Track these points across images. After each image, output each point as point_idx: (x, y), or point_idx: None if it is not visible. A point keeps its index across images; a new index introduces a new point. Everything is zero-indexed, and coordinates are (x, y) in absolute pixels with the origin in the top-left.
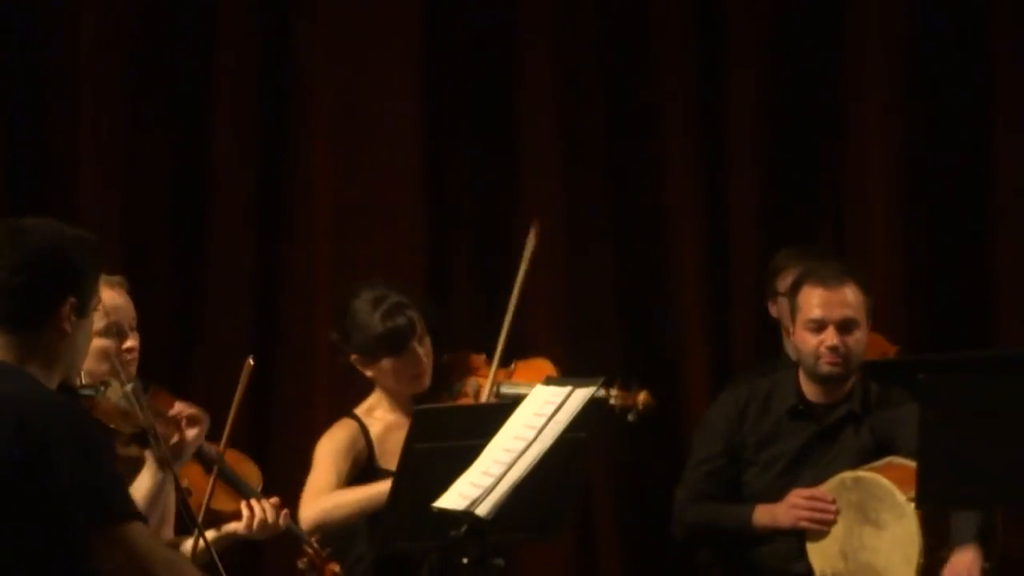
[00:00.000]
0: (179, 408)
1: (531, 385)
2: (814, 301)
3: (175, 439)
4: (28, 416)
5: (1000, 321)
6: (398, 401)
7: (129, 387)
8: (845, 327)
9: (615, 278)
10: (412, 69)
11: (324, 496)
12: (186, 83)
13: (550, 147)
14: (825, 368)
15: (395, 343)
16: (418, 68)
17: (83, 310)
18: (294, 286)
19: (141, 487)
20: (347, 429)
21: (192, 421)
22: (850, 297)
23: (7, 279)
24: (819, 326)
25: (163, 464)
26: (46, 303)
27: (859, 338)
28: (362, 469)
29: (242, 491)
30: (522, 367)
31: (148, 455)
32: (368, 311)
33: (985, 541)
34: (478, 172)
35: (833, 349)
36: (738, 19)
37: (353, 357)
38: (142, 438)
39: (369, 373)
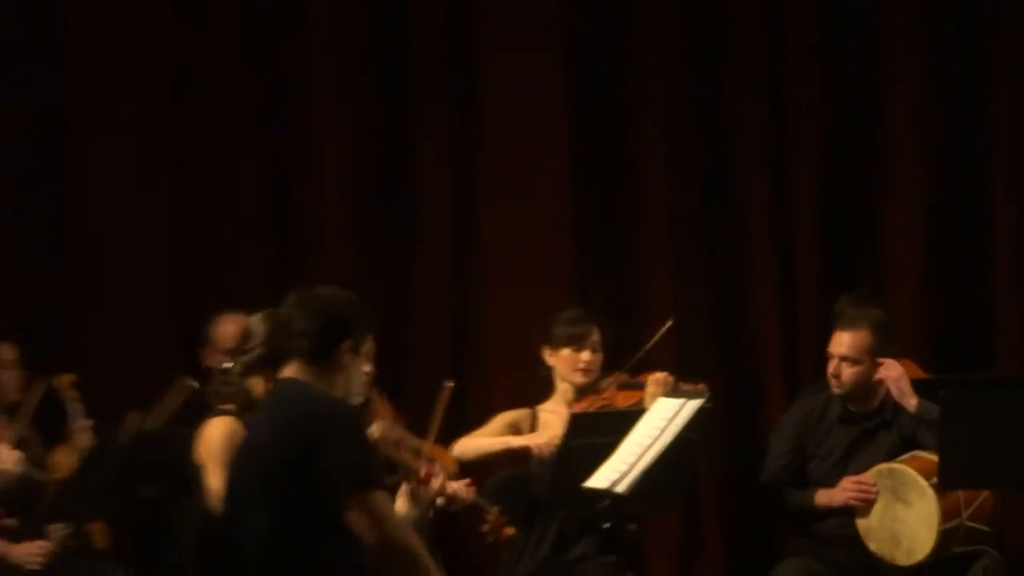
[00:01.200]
0: (427, 463)
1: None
2: (833, 339)
3: (423, 483)
4: (310, 416)
5: (999, 351)
6: (564, 399)
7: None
8: (844, 360)
9: (714, 317)
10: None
11: (470, 438)
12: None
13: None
14: (832, 387)
15: (576, 338)
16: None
17: (356, 349)
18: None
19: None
20: (520, 411)
21: (433, 472)
22: (848, 340)
23: (305, 327)
24: (830, 357)
25: (412, 496)
26: (331, 345)
27: (856, 370)
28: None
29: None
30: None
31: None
32: (565, 315)
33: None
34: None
35: (834, 376)
36: (797, 115)
37: (545, 349)
38: (392, 467)
39: (551, 361)
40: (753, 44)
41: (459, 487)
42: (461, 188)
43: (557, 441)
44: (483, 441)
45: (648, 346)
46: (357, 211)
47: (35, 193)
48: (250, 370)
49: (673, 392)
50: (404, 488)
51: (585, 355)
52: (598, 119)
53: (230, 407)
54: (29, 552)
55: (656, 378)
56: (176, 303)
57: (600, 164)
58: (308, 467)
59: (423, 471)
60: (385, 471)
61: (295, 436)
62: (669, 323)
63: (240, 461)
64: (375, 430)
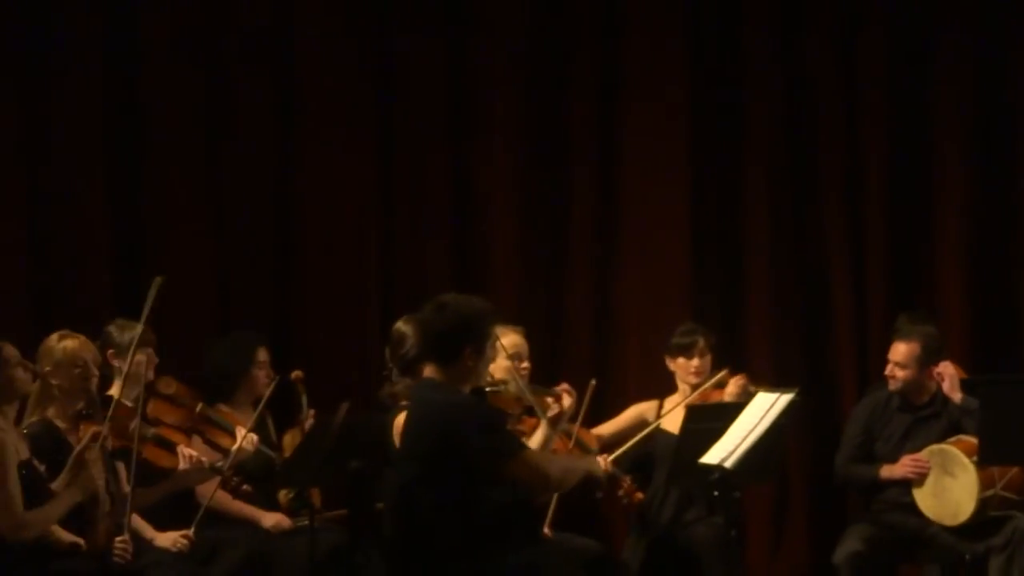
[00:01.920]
0: (560, 387)
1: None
2: (891, 348)
3: (555, 410)
4: (447, 411)
5: None
6: (683, 394)
7: (522, 383)
8: (897, 365)
9: (801, 328)
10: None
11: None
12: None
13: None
14: (889, 385)
15: (685, 348)
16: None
17: (480, 352)
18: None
19: (535, 440)
20: (649, 403)
21: (566, 395)
22: (901, 350)
23: (438, 333)
24: (888, 362)
25: (551, 424)
26: (457, 348)
27: (905, 374)
28: (646, 427)
29: (586, 450)
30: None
31: (541, 421)
32: (679, 330)
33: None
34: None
35: (889, 376)
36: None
37: (665, 356)
38: (531, 411)
39: (670, 366)
40: (830, 90)
41: (600, 459)
42: (602, 226)
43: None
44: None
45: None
46: (519, 233)
47: (270, 216)
48: (407, 370)
49: (745, 393)
50: (543, 421)
51: (694, 362)
52: (714, 171)
53: (405, 403)
54: (276, 520)
55: (735, 380)
56: (380, 312)
57: (713, 203)
58: (451, 453)
59: (555, 400)
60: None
61: (435, 429)
62: (721, 374)
63: (402, 448)
64: (512, 387)
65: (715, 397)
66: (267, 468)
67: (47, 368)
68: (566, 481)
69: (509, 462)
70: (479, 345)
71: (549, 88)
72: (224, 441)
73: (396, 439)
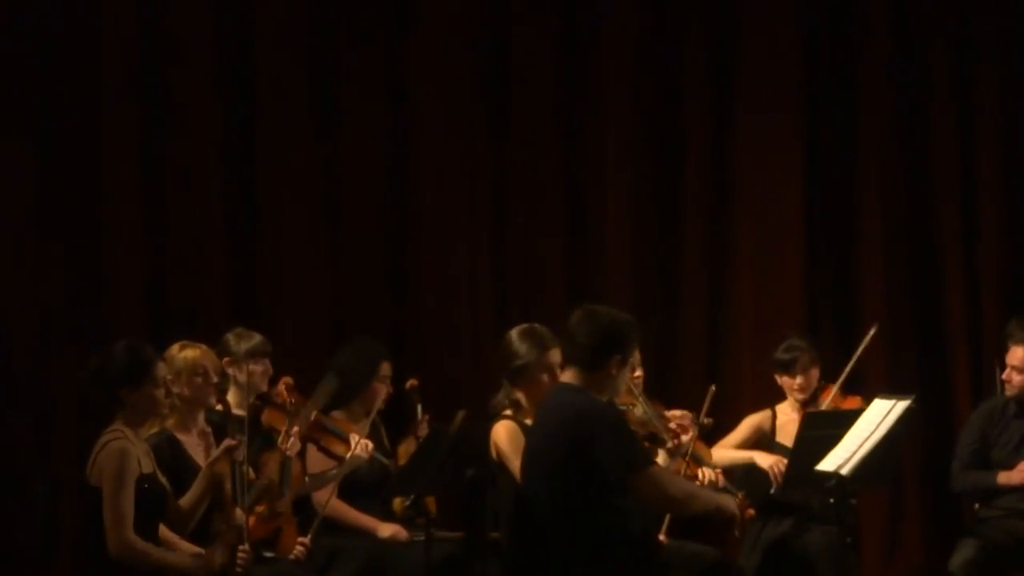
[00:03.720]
0: (678, 418)
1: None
2: (1008, 352)
3: (674, 442)
4: (584, 415)
5: None
6: (792, 404)
7: (648, 408)
8: (1014, 369)
9: (917, 337)
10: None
11: (721, 448)
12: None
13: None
14: (1007, 390)
15: (786, 365)
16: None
17: (624, 363)
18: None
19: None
20: (763, 413)
21: (683, 428)
22: (1019, 352)
23: (585, 341)
24: (1006, 366)
25: (670, 455)
26: (604, 357)
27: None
28: (765, 438)
29: (703, 464)
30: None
31: (661, 451)
32: (781, 345)
33: None
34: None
35: (1006, 380)
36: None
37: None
38: (653, 438)
39: (778, 381)
40: (944, 95)
41: (712, 473)
42: (716, 236)
43: (781, 466)
44: (734, 454)
45: (853, 359)
46: (634, 240)
47: (384, 223)
48: (516, 381)
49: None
50: (663, 451)
51: (798, 379)
52: (828, 182)
53: (509, 412)
54: (393, 531)
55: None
56: (493, 320)
57: (828, 213)
58: (582, 456)
59: (675, 432)
60: (649, 443)
61: (569, 432)
62: (872, 331)
63: (531, 450)
64: (639, 410)
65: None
66: (382, 475)
67: (168, 378)
68: (688, 506)
69: (637, 474)
70: (625, 357)
71: (663, 93)
72: (339, 448)
73: (492, 450)
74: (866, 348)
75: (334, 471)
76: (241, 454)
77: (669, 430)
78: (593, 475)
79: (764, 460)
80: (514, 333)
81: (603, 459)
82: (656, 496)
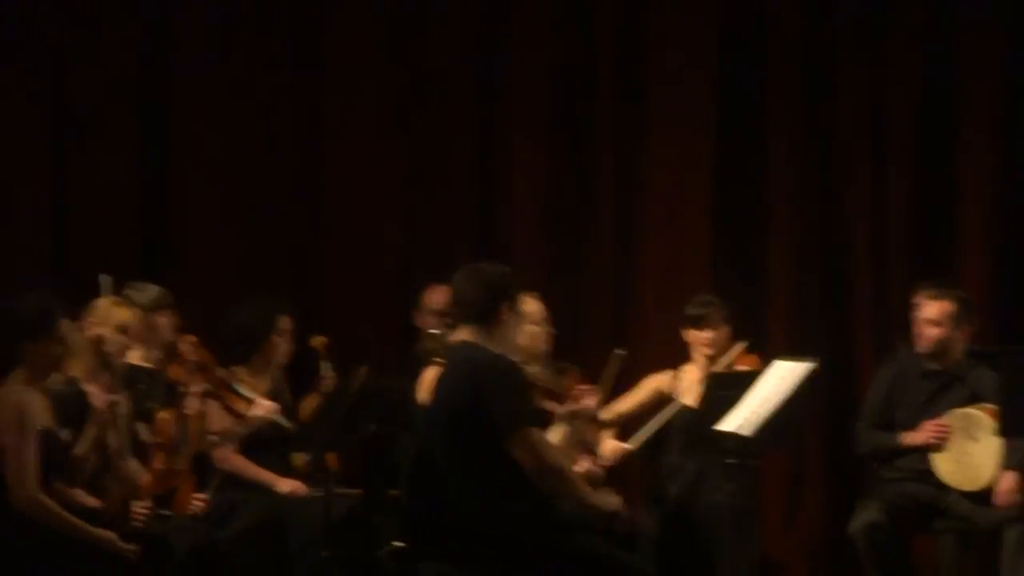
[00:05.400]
0: (580, 388)
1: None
2: (922, 307)
3: (573, 407)
4: (479, 368)
5: None
6: (698, 365)
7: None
8: (929, 323)
9: (822, 298)
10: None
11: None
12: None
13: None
14: (919, 346)
15: (696, 320)
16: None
17: (514, 309)
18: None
19: (554, 436)
20: (664, 374)
21: (584, 393)
22: (935, 307)
23: (473, 296)
24: (918, 322)
25: (567, 418)
26: (494, 307)
27: (938, 331)
28: (664, 398)
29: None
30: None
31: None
32: (693, 300)
33: (1022, 468)
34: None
35: (920, 335)
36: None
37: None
38: (551, 395)
39: (686, 337)
40: (853, 56)
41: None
42: (623, 197)
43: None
44: (631, 399)
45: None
46: (541, 202)
47: (292, 185)
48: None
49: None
50: (558, 420)
51: (707, 334)
52: (736, 142)
53: (440, 360)
54: (293, 486)
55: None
56: (400, 278)
57: (735, 173)
58: (478, 410)
59: (576, 394)
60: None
61: (466, 387)
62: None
63: (431, 408)
64: (533, 370)
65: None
66: (282, 431)
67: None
68: (560, 483)
69: (517, 430)
70: (513, 303)
71: (572, 61)
72: (241, 406)
73: (419, 394)
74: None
75: (234, 429)
76: (124, 408)
77: (569, 395)
78: (490, 430)
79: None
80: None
81: (493, 410)
82: (531, 459)
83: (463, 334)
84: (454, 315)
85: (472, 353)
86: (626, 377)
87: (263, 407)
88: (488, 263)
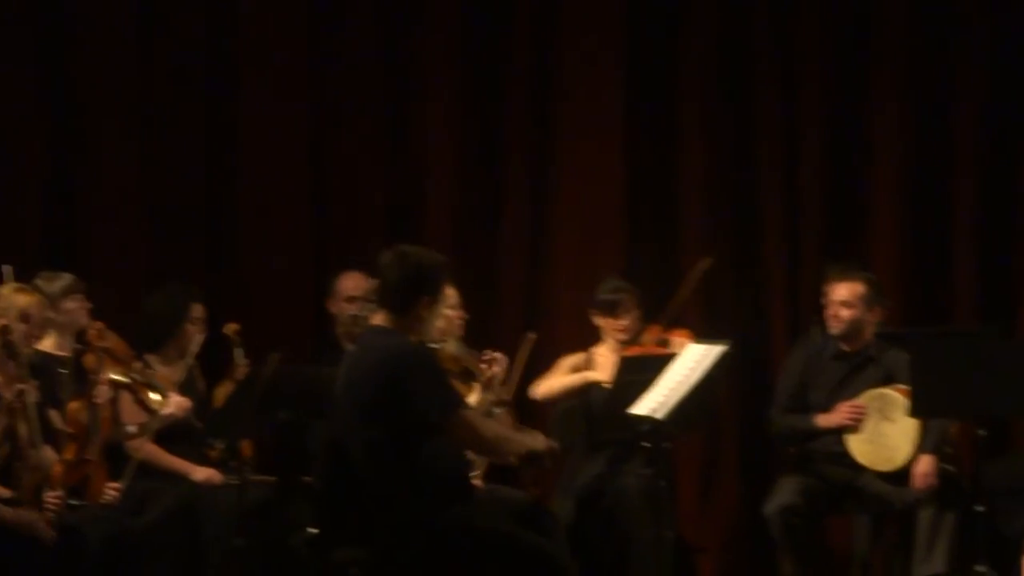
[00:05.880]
0: (490, 354)
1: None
2: (833, 289)
3: (487, 375)
4: (396, 357)
5: (956, 310)
6: (612, 348)
7: (458, 345)
8: (842, 305)
9: (735, 281)
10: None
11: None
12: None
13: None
14: (831, 328)
15: (610, 306)
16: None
17: (434, 304)
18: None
19: (472, 404)
20: (579, 355)
21: (497, 362)
22: (846, 289)
23: (395, 283)
24: (830, 304)
25: (484, 387)
26: (413, 298)
27: (851, 313)
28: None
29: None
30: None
31: (476, 385)
32: (603, 286)
33: (939, 451)
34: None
35: (834, 317)
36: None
37: (591, 311)
38: (467, 374)
39: (597, 322)
40: (765, 34)
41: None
42: (535, 180)
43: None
44: (564, 379)
45: (679, 298)
46: (453, 186)
47: (202, 169)
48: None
49: (701, 340)
50: (477, 386)
51: (621, 321)
52: (648, 124)
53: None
54: (207, 474)
55: (678, 340)
56: (313, 265)
57: (647, 155)
58: (395, 399)
59: (487, 364)
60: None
61: (382, 375)
62: (704, 264)
63: (343, 391)
64: (450, 347)
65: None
66: (193, 425)
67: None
68: (500, 449)
69: (450, 416)
70: (434, 297)
71: (484, 39)
72: (153, 402)
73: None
74: (690, 287)
75: (145, 424)
76: (33, 396)
77: (481, 363)
78: (406, 418)
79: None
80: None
81: (417, 402)
82: (471, 438)
83: (379, 318)
84: (376, 297)
85: (387, 340)
86: (539, 360)
87: (175, 404)
88: (421, 250)
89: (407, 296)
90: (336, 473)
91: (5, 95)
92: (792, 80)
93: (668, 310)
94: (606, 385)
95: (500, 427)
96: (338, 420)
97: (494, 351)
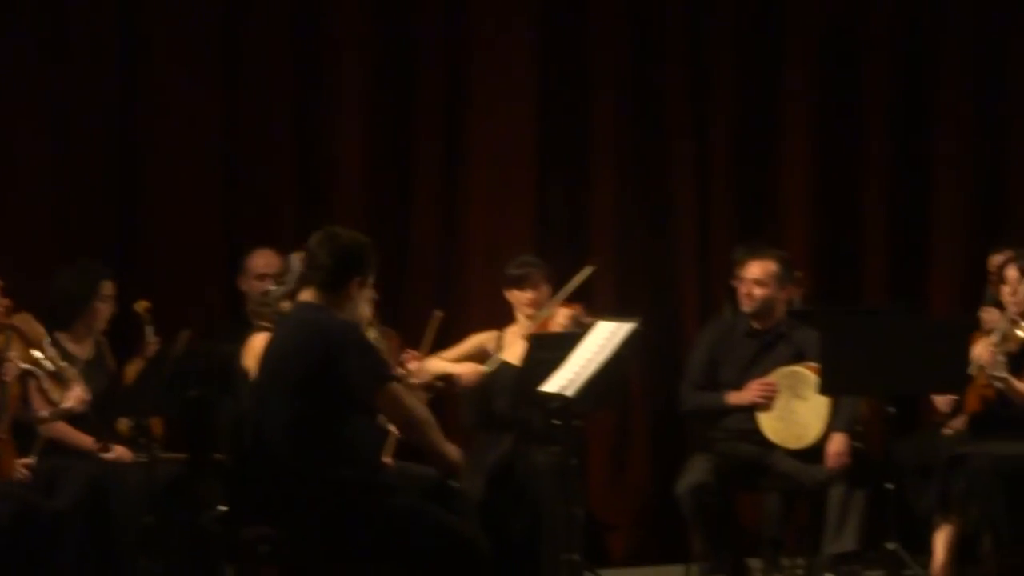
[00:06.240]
0: (410, 353)
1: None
2: (746, 268)
3: (402, 373)
4: (327, 332)
5: (865, 288)
6: (522, 325)
7: (375, 330)
8: (755, 283)
9: (647, 258)
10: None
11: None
12: None
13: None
14: (744, 306)
15: (519, 280)
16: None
17: (363, 284)
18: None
19: None
20: (489, 333)
21: (416, 359)
22: (758, 267)
23: (326, 262)
24: (743, 282)
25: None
26: (344, 278)
27: (764, 291)
28: (487, 355)
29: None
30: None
31: None
32: (514, 261)
33: (850, 429)
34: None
35: (747, 295)
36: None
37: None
38: None
39: (508, 297)
40: (679, 36)
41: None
42: (448, 156)
43: (483, 370)
44: (439, 364)
45: (568, 289)
46: (364, 163)
47: (114, 146)
48: (285, 297)
49: (577, 324)
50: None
51: (527, 294)
52: (562, 87)
53: (267, 324)
54: (118, 453)
55: (565, 311)
56: (224, 241)
57: (560, 134)
58: (326, 374)
59: (404, 361)
60: None
61: (314, 348)
62: (588, 270)
63: (266, 367)
64: (371, 335)
65: (551, 327)
66: (103, 403)
67: None
68: (427, 432)
69: (382, 388)
70: (365, 279)
71: (396, 5)
72: (55, 393)
73: (245, 360)
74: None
75: (53, 412)
76: None
77: (397, 359)
78: (337, 393)
79: (460, 370)
80: (295, 256)
81: (350, 376)
82: (400, 412)
83: (307, 295)
84: (304, 276)
85: (318, 316)
86: (451, 339)
87: (74, 398)
88: (350, 231)
89: (337, 275)
90: (246, 450)
91: None
92: (703, 53)
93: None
94: (513, 364)
95: (430, 414)
96: (254, 395)
97: (406, 345)
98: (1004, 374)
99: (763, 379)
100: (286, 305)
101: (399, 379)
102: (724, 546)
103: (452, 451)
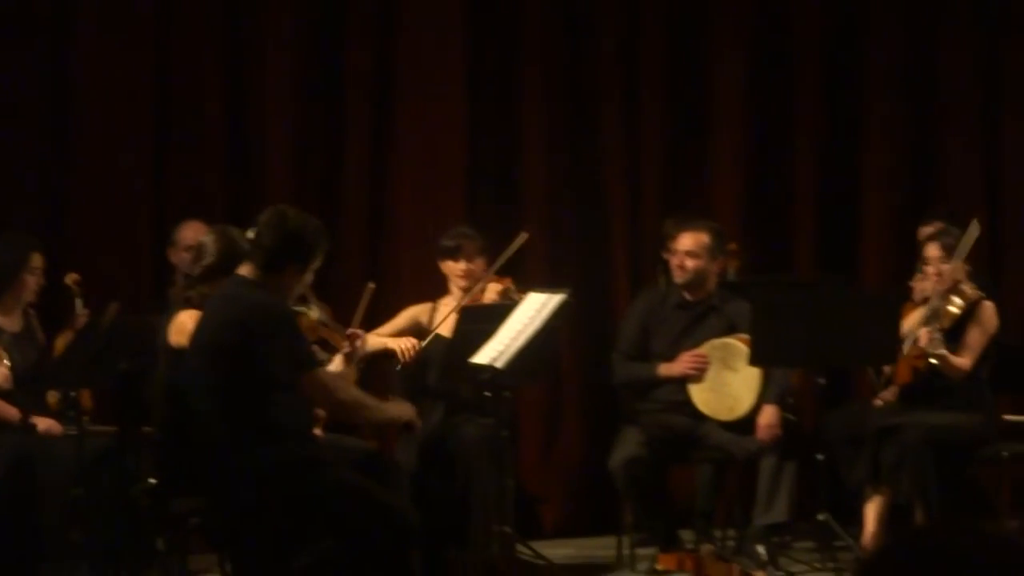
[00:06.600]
0: (353, 330)
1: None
2: (678, 239)
3: (348, 349)
4: (254, 309)
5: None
6: (455, 297)
7: (316, 310)
8: (688, 254)
9: (578, 230)
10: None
11: (374, 335)
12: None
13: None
14: (676, 277)
15: (452, 251)
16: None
17: (301, 272)
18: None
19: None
20: (423, 305)
21: (359, 338)
22: (691, 239)
23: (268, 242)
24: (675, 253)
25: (347, 361)
26: (283, 262)
27: (696, 263)
28: (423, 331)
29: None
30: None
31: (338, 357)
32: (447, 233)
33: (782, 401)
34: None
35: (679, 267)
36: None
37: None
38: (325, 345)
39: (443, 269)
40: (608, 4)
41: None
42: (377, 127)
43: (418, 345)
44: (377, 340)
45: (504, 257)
46: (294, 137)
47: (46, 118)
48: (204, 279)
49: (507, 297)
50: (338, 355)
51: (461, 265)
52: (491, 74)
53: (196, 301)
54: (47, 425)
55: (494, 285)
56: (152, 216)
57: (490, 104)
58: (248, 350)
59: (350, 341)
60: (321, 348)
61: (238, 325)
62: (523, 236)
63: (196, 339)
64: (314, 314)
65: (484, 298)
66: (33, 375)
67: None
68: (358, 413)
69: (304, 375)
70: (303, 267)
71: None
72: None
73: (172, 337)
74: (526, 244)
75: None
76: None
77: (344, 336)
78: (258, 369)
79: (396, 343)
80: (206, 235)
81: (271, 355)
82: (325, 398)
83: (244, 270)
84: (248, 251)
85: (246, 291)
86: (385, 312)
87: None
88: (301, 213)
89: (277, 259)
90: (176, 424)
91: None
92: (634, 29)
93: (494, 269)
94: (446, 336)
95: (360, 393)
96: (184, 365)
97: (339, 319)
98: (943, 351)
99: (694, 351)
100: (203, 288)
101: (322, 364)
102: (656, 518)
103: (395, 410)
